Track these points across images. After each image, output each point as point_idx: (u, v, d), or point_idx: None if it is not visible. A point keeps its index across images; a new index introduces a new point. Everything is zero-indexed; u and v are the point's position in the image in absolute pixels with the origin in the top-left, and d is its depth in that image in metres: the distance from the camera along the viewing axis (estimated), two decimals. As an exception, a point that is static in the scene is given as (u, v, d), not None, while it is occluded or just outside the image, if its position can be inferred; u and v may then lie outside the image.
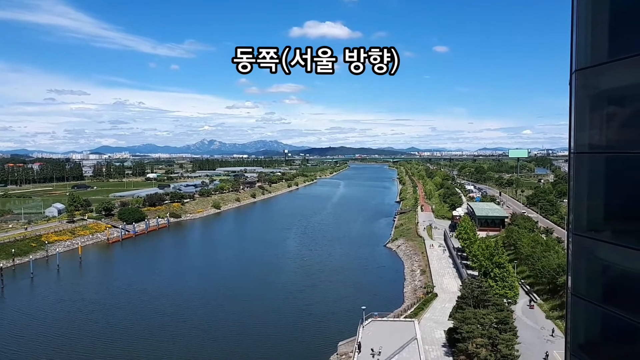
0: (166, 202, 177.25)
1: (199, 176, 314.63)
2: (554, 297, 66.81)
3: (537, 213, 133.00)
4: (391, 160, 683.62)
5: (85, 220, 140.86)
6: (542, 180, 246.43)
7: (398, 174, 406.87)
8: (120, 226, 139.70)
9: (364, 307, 57.42)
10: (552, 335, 54.98)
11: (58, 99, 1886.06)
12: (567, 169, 17.29)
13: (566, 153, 14.38)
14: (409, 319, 59.88)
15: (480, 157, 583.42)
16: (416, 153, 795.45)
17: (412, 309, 65.51)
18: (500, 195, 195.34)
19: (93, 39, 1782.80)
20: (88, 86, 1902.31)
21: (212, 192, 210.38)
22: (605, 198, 13.40)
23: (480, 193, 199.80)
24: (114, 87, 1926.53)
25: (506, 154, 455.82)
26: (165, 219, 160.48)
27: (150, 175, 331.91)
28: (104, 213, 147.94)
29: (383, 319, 59.46)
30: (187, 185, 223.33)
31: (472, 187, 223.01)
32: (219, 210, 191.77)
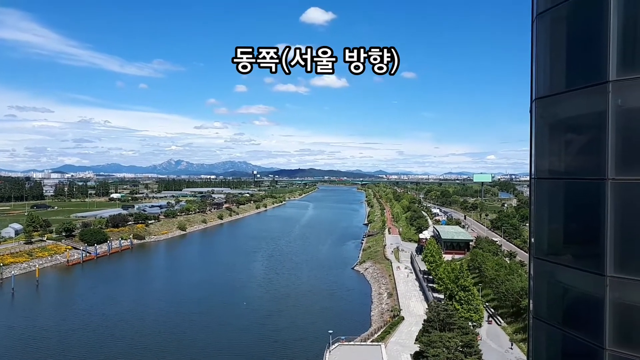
0: (130, 223, 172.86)
1: (165, 197, 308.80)
2: (517, 320, 67.88)
3: (501, 237, 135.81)
4: (360, 182, 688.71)
5: (44, 241, 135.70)
6: (505, 205, 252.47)
7: (366, 197, 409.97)
8: (81, 248, 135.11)
9: (330, 332, 56.91)
10: (511, 348, 57.43)
11: (19, 116, 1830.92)
12: (528, 194, 17.74)
13: (528, 178, 14.79)
14: (376, 343, 59.60)
15: (446, 181, 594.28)
16: (384, 176, 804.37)
17: (379, 333, 65.30)
18: (465, 218, 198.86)
19: (58, 56, 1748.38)
20: (52, 103, 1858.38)
21: (178, 213, 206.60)
22: (564, 222, 13.78)
23: (445, 216, 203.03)
24: (80, 105, 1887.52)
25: (471, 178, 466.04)
26: (129, 240, 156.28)
27: (114, 196, 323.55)
28: (64, 234, 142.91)
29: (350, 343, 59.00)
30: (152, 206, 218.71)
31: (438, 211, 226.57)
32: (184, 232, 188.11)
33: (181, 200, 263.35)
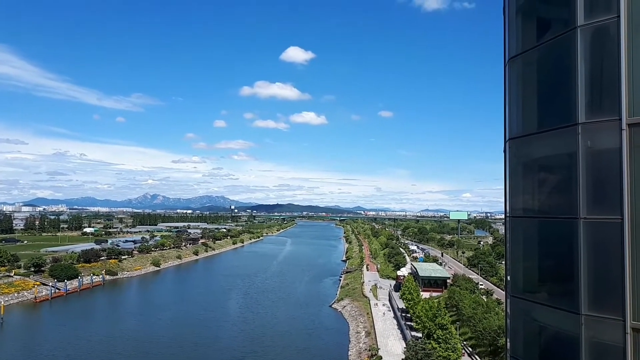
0: (103, 258, 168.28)
1: (140, 231, 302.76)
2: (495, 359, 67.44)
3: (478, 274, 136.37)
4: (338, 218, 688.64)
5: (11, 276, 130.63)
6: (481, 242, 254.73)
7: (344, 233, 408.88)
8: (50, 284, 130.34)
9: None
10: None
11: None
12: (504, 232, 17.99)
13: (503, 216, 15.02)
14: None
15: (423, 217, 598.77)
16: (362, 212, 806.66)
17: (357, 373, 63.97)
18: (442, 255, 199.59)
19: (35, 88, 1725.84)
20: (27, 135, 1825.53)
21: (152, 249, 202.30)
22: (539, 261, 13.95)
23: (423, 253, 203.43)
24: (54, 138, 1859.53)
25: (447, 215, 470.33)
26: (101, 276, 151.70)
27: (87, 230, 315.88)
28: (33, 269, 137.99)
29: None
30: (126, 241, 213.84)
31: (415, 247, 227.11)
32: (158, 268, 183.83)
33: (156, 235, 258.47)
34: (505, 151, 14.28)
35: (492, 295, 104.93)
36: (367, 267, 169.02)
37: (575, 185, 11.56)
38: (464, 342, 76.67)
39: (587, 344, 11.39)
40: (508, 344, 14.61)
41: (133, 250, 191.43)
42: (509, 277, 14.42)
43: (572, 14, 11.82)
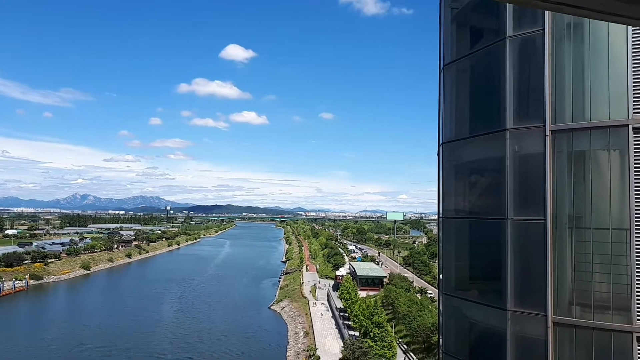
0: (27, 262, 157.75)
1: (68, 233, 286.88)
2: (429, 355, 69.70)
3: (413, 273, 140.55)
4: (279, 219, 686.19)
5: None
6: (416, 242, 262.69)
7: (285, 234, 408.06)
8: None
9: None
10: None
11: None
12: (437, 232, 18.59)
13: (437, 217, 15.54)
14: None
15: (362, 218, 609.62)
16: (303, 213, 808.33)
17: (295, 374, 64.01)
18: (379, 255, 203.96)
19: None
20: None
21: (82, 251, 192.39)
22: (470, 260, 14.58)
23: (361, 253, 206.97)
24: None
25: (384, 216, 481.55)
26: (24, 281, 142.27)
27: (10, 232, 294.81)
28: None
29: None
30: (53, 243, 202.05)
31: (354, 247, 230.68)
32: (88, 272, 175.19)
33: (86, 237, 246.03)
34: (439, 154, 14.80)
35: (426, 293, 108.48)
36: (306, 268, 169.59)
37: (503, 187, 12.20)
38: (399, 340, 78.68)
39: (513, 338, 12.03)
40: (441, 340, 15.15)
41: (61, 253, 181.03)
42: (441, 276, 14.96)
43: (502, 25, 12.46)
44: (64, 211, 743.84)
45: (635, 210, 10.56)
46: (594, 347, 11.10)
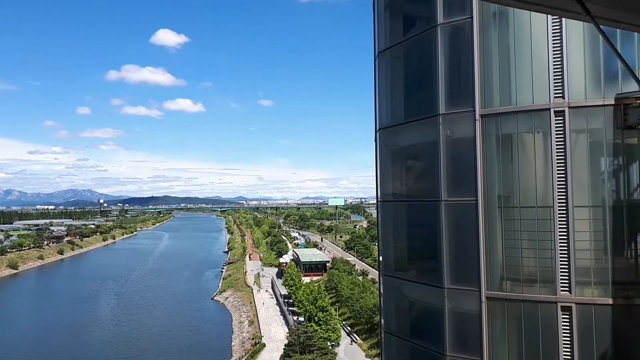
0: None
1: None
2: (372, 336, 71.65)
3: (355, 256, 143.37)
4: (219, 209, 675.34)
5: None
6: (357, 226, 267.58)
7: (226, 224, 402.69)
8: None
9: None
10: None
11: None
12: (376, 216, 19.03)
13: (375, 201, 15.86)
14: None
15: (304, 205, 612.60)
16: (244, 202, 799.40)
17: (241, 363, 63.87)
18: (322, 241, 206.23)
19: None
20: None
21: (8, 250, 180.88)
22: (407, 241, 15.04)
23: (304, 239, 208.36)
24: None
25: (326, 202, 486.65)
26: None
27: None
28: None
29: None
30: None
31: (297, 234, 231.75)
32: (16, 271, 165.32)
33: (12, 235, 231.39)
34: (376, 140, 15.07)
35: (367, 275, 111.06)
36: (249, 257, 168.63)
37: (437, 170, 12.63)
38: (343, 322, 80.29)
39: (449, 314, 12.59)
40: (382, 320, 15.59)
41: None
42: (381, 258, 15.35)
43: (433, 12, 12.78)
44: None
45: (558, 188, 11.28)
46: (523, 318, 11.83)
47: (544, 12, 4.31)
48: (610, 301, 11.09)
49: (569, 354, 11.19)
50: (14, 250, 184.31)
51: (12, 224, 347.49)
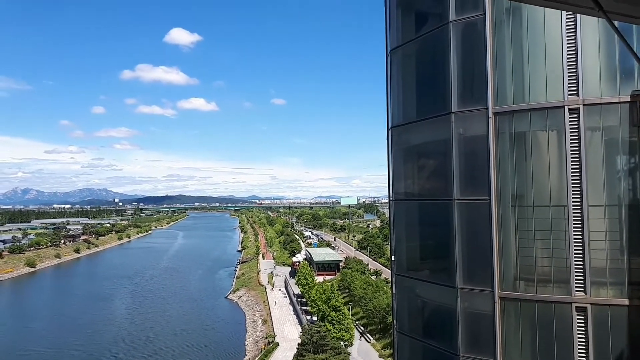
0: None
1: (10, 230, 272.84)
2: (385, 336, 71.41)
3: (368, 256, 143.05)
4: (233, 208, 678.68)
5: None
6: (370, 225, 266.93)
7: (240, 223, 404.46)
8: None
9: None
10: None
11: None
12: (388, 215, 18.93)
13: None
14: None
15: (317, 204, 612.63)
16: (257, 201, 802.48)
17: (254, 361, 64.10)
18: (334, 240, 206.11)
19: None
20: None
21: (26, 248, 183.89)
22: (420, 240, 14.94)
23: (317, 239, 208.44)
24: None
25: (339, 201, 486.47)
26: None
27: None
28: None
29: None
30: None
31: (309, 233, 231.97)
32: (34, 269, 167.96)
33: (30, 234, 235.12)
34: (388, 139, 14.99)
35: (380, 275, 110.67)
36: (263, 256, 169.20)
37: (449, 169, 12.52)
38: (356, 322, 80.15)
39: (462, 314, 12.48)
40: (395, 320, 15.51)
41: (3, 250, 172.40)
42: (394, 257, 15.26)
43: (445, 9, 12.66)
44: (4, 207, 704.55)
45: (572, 187, 11.11)
46: (537, 318, 11.68)
47: (556, 8, 4.23)
48: (626, 302, 10.89)
49: (584, 355, 11.02)
50: (32, 248, 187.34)
51: (29, 222, 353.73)
